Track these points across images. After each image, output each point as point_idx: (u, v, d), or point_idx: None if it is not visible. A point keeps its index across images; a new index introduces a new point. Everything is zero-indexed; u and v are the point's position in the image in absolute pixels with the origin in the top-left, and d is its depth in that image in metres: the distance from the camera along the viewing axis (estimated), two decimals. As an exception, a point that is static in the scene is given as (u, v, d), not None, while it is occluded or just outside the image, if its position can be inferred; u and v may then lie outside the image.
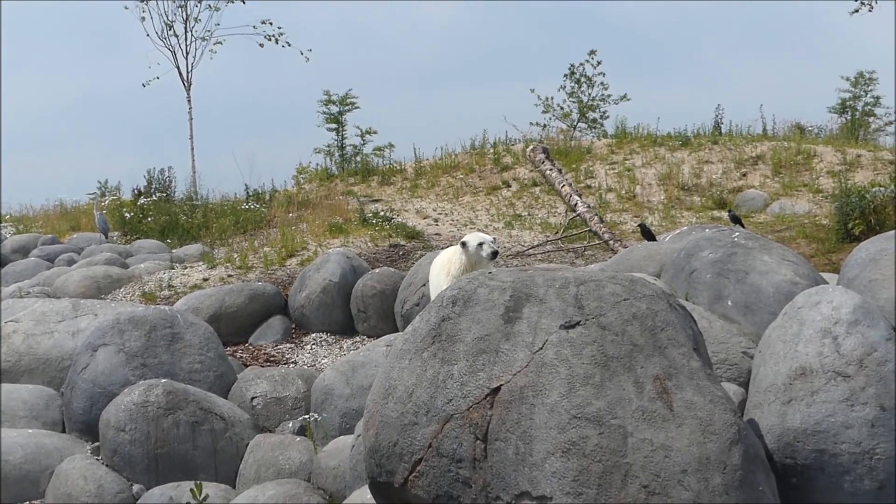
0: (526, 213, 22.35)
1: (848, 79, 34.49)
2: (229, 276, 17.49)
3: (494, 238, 10.25)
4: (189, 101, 31.06)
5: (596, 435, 6.39)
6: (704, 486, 6.25)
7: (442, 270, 10.12)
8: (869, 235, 13.28)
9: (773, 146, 25.41)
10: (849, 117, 33.68)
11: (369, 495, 7.81)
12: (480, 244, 9.81)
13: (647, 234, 16.19)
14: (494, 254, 9.84)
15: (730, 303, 10.21)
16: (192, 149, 30.98)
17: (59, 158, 72.40)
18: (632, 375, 6.63)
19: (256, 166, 56.57)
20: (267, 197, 24.94)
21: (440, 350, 7.05)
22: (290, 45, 30.70)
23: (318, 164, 30.28)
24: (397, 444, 6.98)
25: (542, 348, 6.76)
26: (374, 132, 29.95)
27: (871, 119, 34.46)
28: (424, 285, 14.04)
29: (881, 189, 17.94)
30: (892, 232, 9.70)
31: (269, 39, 30.59)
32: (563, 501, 6.28)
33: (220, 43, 30.68)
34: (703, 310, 9.98)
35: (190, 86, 30.96)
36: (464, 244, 9.91)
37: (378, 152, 29.37)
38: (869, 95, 34.55)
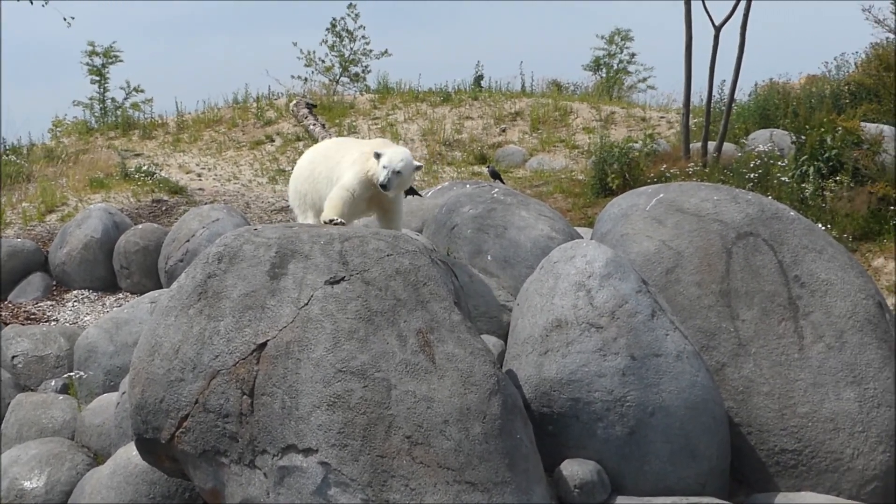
0: (290, 168, 22.02)
1: (603, 37, 35.62)
2: (-15, 232, 16.97)
3: (418, 164, 9.25)
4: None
5: (360, 388, 6.57)
6: (465, 435, 6.51)
7: (351, 169, 8.91)
8: (625, 190, 13.78)
9: (532, 102, 26.01)
10: (603, 74, 34.81)
11: (135, 452, 7.80)
12: (385, 167, 8.69)
13: (411, 191, 16.37)
14: (383, 186, 8.70)
15: (489, 257, 10.47)
16: (-58, 97, 29.79)
17: None
18: (395, 329, 6.83)
19: (11, 119, 54.70)
20: (25, 151, 24.13)
21: (206, 307, 7.10)
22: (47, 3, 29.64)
23: (75, 117, 29.44)
24: (164, 401, 7.01)
25: (307, 304, 6.89)
26: (142, 90, 29.43)
27: (625, 77, 35.66)
28: (188, 241, 13.97)
29: (636, 145, 18.64)
30: (643, 188, 10.15)
31: None
32: (328, 453, 6.44)
33: None
34: (465, 264, 10.23)
35: (-63, 30, 29.74)
36: (378, 155, 8.76)
37: (135, 107, 28.81)
38: (625, 52, 35.78)
